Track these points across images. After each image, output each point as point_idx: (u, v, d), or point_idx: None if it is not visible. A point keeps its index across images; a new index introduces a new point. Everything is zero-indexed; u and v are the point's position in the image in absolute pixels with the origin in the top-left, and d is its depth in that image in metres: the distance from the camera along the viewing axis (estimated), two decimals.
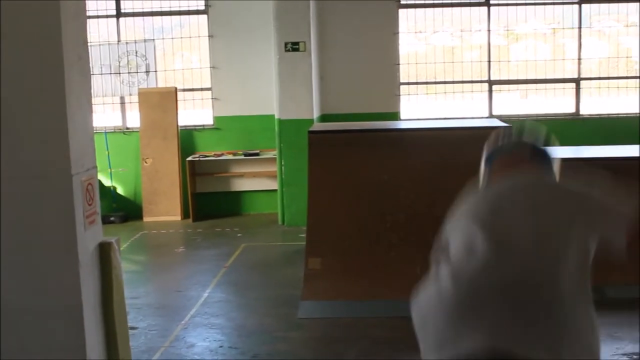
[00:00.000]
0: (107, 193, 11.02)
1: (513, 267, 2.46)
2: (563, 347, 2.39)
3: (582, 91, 11.28)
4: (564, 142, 10.00)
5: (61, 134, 3.34)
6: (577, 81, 11.22)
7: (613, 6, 11.36)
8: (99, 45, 10.98)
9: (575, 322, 2.47)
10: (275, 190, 10.66)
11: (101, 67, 10.97)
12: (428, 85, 11.46)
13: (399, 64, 11.08)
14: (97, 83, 10.92)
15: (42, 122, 3.33)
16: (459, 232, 2.69)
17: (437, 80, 11.36)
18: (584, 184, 2.72)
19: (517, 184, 2.72)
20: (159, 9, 11.17)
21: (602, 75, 11.51)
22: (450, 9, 11.24)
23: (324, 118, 10.73)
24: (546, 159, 2.89)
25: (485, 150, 2.96)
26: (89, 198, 3.53)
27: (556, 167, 2.87)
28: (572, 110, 11.27)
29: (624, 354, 5.50)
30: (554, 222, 2.57)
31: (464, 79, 11.28)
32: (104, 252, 3.60)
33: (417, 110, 11.41)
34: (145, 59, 11.09)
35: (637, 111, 11.21)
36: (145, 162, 10.94)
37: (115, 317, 3.59)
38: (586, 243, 2.58)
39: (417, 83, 11.27)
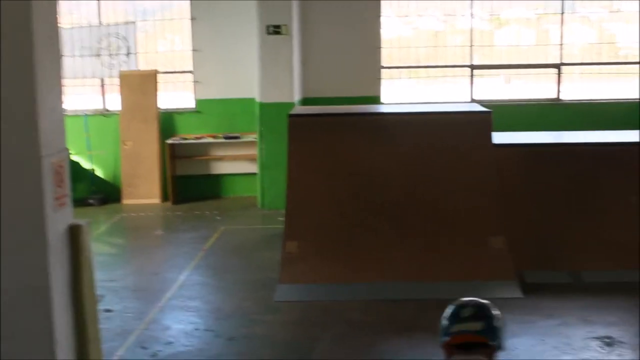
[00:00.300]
0: (86, 175, 10.96)
1: None
2: None
3: (564, 77, 11.29)
4: (545, 127, 10.13)
5: (30, 115, 3.30)
6: (558, 67, 11.23)
7: None
8: (80, 27, 10.88)
9: None
10: (255, 174, 10.63)
11: (81, 49, 10.87)
12: (410, 69, 11.42)
13: (381, 48, 11.04)
14: (77, 65, 10.84)
15: (11, 104, 3.28)
16: None
17: (420, 64, 11.33)
18: None
19: None
20: None
21: (585, 61, 11.52)
22: None
23: (305, 102, 10.68)
24: (495, 338, 3.06)
25: (442, 319, 3.09)
26: (59, 180, 3.48)
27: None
28: (554, 95, 11.28)
29: (595, 338, 5.53)
30: None
31: (446, 64, 11.25)
32: (74, 234, 3.55)
33: (399, 94, 11.39)
34: (126, 41, 11.00)
35: (618, 97, 11.27)
36: (125, 145, 10.87)
37: (85, 299, 3.55)
38: None
39: (398, 67, 11.24)
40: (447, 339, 2.95)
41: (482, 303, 3.06)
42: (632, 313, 6.12)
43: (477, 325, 3.01)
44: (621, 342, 5.45)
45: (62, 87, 3.65)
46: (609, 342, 5.46)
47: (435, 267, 6.62)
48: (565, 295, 6.48)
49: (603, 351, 5.32)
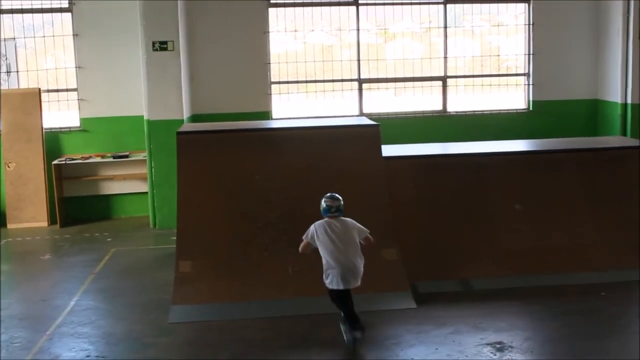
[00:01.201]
0: None
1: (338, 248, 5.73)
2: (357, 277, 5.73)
3: (449, 89, 11.59)
4: (432, 139, 10.38)
5: None
6: (443, 79, 11.52)
7: (484, 6, 11.72)
8: None
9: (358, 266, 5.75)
10: (146, 193, 10.43)
11: None
12: (299, 84, 11.48)
13: (269, 63, 11.06)
14: None
15: None
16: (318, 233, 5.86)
17: (309, 79, 11.40)
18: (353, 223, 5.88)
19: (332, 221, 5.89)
20: (20, 7, 10.71)
21: (469, 74, 11.86)
22: (320, 8, 11.27)
23: (195, 118, 10.58)
24: (340, 212, 5.95)
25: (324, 204, 5.99)
26: None
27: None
28: (440, 107, 11.56)
29: (487, 344, 5.68)
30: (348, 231, 5.85)
31: (335, 78, 11.36)
32: None
33: (289, 109, 11.42)
34: (6, 59, 10.64)
35: (502, 108, 11.66)
36: (8, 167, 10.48)
37: None
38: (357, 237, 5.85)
39: (287, 82, 11.27)
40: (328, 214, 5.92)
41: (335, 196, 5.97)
42: (521, 318, 6.33)
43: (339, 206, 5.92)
44: (511, 347, 5.60)
45: None
46: (500, 348, 5.60)
47: None
48: (456, 303, 6.63)
49: (495, 356, 5.45)
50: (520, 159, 7.93)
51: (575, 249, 7.32)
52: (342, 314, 5.81)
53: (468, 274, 7.07)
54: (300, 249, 5.98)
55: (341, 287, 5.70)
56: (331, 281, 5.74)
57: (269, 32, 11.01)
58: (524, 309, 6.48)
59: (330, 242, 5.75)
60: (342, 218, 5.93)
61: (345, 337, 5.74)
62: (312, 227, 5.91)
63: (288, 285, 6.69)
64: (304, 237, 5.93)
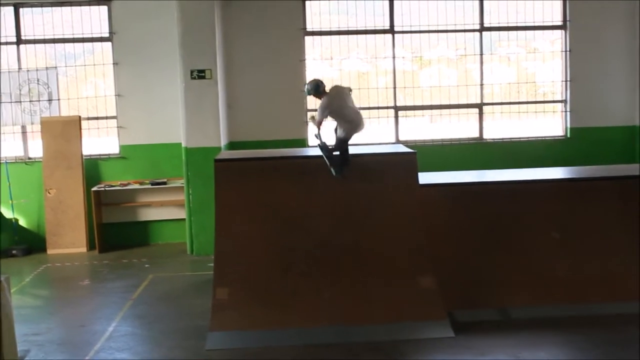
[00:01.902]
0: (9, 225, 10.67)
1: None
2: None
3: (485, 116, 11.56)
4: (469, 166, 10.33)
5: None
6: (480, 106, 11.50)
7: (519, 33, 11.72)
8: None
9: None
10: (183, 220, 10.50)
11: (1, 96, 10.66)
12: None
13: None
14: None
15: None
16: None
17: None
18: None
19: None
20: (62, 36, 10.94)
21: (504, 101, 11.81)
22: (357, 36, 11.34)
23: (232, 146, 10.66)
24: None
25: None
26: None
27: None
28: (476, 134, 11.53)
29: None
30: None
31: (371, 105, 11.40)
32: None
33: (325, 136, 11.42)
34: (48, 87, 10.84)
35: (539, 135, 11.58)
36: (49, 193, 10.64)
37: (4, 358, 3.44)
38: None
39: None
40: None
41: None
42: (561, 348, 6.25)
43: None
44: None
45: None
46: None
47: (365, 310, 6.63)
48: (495, 333, 6.57)
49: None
50: (557, 187, 7.85)
51: (614, 278, 7.22)
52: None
53: (506, 302, 7.00)
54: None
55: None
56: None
57: (305, 59, 11.09)
58: (564, 339, 6.39)
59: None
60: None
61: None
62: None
63: (324, 313, 6.68)
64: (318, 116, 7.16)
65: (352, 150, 7.40)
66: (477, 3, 11.38)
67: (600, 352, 6.04)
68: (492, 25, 11.48)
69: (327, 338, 6.42)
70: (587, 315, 6.84)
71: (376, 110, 11.45)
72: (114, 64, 10.92)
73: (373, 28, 11.32)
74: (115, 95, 10.96)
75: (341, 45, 11.41)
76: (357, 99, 11.21)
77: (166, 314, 7.57)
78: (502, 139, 11.55)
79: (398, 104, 11.41)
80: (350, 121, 7.18)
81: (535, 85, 12.25)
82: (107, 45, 10.98)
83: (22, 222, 10.89)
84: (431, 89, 11.59)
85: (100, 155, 11.07)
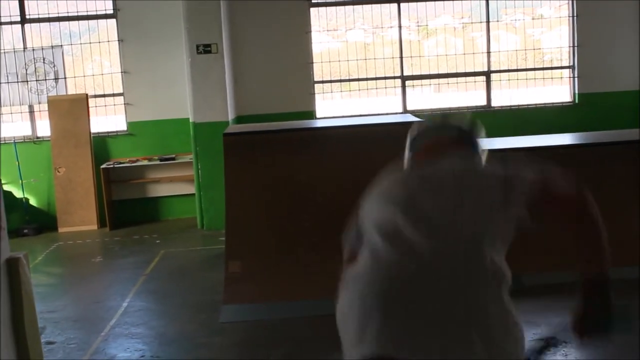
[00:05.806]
0: (19, 205, 10.71)
1: (434, 249, 2.55)
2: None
3: (492, 84, 11.51)
4: None
5: None
6: (487, 74, 11.45)
7: (525, 1, 11.65)
8: (4, 52, 10.65)
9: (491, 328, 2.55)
10: (193, 195, 10.52)
11: (7, 76, 10.65)
12: (342, 82, 11.51)
13: (312, 63, 11.09)
14: (4, 92, 10.61)
15: None
16: (376, 214, 2.76)
17: (351, 77, 11.41)
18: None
19: (439, 168, 2.73)
20: (66, 14, 10.90)
21: (511, 68, 11.77)
22: (361, 6, 11.29)
23: (239, 120, 10.65)
24: (472, 143, 2.88)
25: (410, 135, 2.98)
26: None
27: (483, 152, 2.93)
28: (484, 102, 11.49)
29: (541, 339, 5.61)
30: (477, 205, 2.62)
31: (378, 76, 11.36)
32: (12, 268, 3.47)
33: (333, 108, 11.44)
34: (54, 66, 10.82)
35: (546, 101, 11.53)
36: (58, 172, 10.66)
37: (27, 335, 3.46)
38: (506, 227, 2.67)
39: (330, 81, 11.30)
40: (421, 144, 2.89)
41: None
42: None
43: (452, 131, 2.89)
44: (565, 342, 5.54)
45: None
46: (554, 343, 5.54)
47: None
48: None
49: (549, 352, 5.39)
50: (568, 153, 7.82)
51: (629, 242, 7.21)
52: None
53: (519, 269, 6.99)
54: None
55: None
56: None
57: (310, 31, 11.04)
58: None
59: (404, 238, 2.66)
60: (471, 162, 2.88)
61: None
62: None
63: (337, 283, 6.68)
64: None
65: (359, 121, 7.32)
66: None
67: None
68: None
69: None
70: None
71: (383, 81, 11.41)
72: (119, 40, 10.88)
73: None
74: (122, 72, 10.94)
75: (345, 16, 11.36)
76: (364, 71, 11.23)
77: (179, 288, 7.61)
78: (510, 106, 11.51)
79: (405, 74, 11.36)
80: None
81: (542, 52, 12.18)
82: (112, 22, 10.94)
83: (33, 202, 10.93)
84: (438, 58, 11.53)
85: (108, 132, 11.08)
